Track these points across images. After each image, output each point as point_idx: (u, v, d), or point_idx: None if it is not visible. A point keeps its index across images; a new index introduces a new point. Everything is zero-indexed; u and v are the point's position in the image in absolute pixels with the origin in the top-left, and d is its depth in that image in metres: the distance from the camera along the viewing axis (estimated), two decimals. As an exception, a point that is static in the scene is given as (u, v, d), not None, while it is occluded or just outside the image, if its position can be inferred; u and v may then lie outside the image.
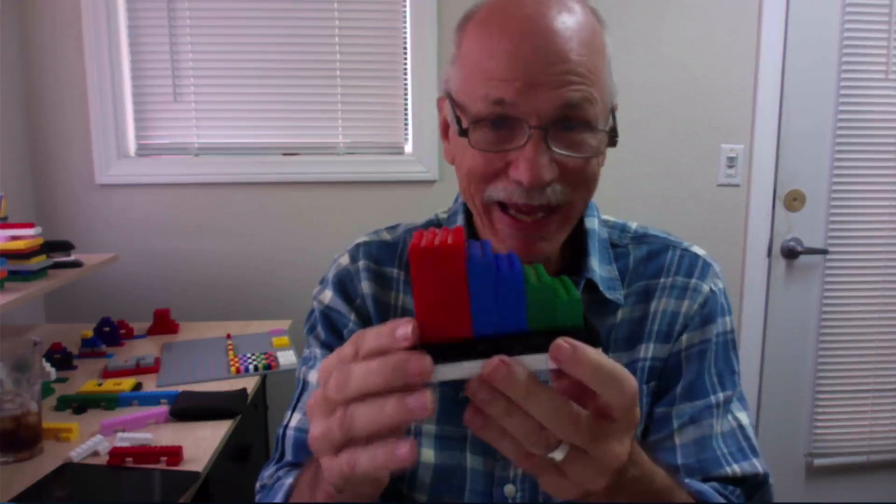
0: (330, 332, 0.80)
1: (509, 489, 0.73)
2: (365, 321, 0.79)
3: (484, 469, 0.74)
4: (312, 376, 0.80)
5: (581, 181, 0.67)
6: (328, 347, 0.80)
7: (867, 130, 2.11)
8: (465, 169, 0.68)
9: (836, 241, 2.16)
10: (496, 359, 0.40)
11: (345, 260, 0.81)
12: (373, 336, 0.42)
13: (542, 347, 0.41)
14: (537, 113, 0.62)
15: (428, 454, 0.75)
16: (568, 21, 0.64)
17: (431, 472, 0.75)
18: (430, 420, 0.76)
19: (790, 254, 2.16)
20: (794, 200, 2.14)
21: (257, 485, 0.80)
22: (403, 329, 0.40)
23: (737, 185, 2.13)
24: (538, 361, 0.41)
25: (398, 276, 0.80)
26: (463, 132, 0.65)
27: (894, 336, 2.22)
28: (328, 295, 0.80)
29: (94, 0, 1.90)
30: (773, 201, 2.14)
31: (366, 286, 0.79)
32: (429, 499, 0.76)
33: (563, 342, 0.40)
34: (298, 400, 0.80)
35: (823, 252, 2.16)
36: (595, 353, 0.40)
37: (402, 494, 0.77)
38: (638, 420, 0.44)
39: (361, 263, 0.80)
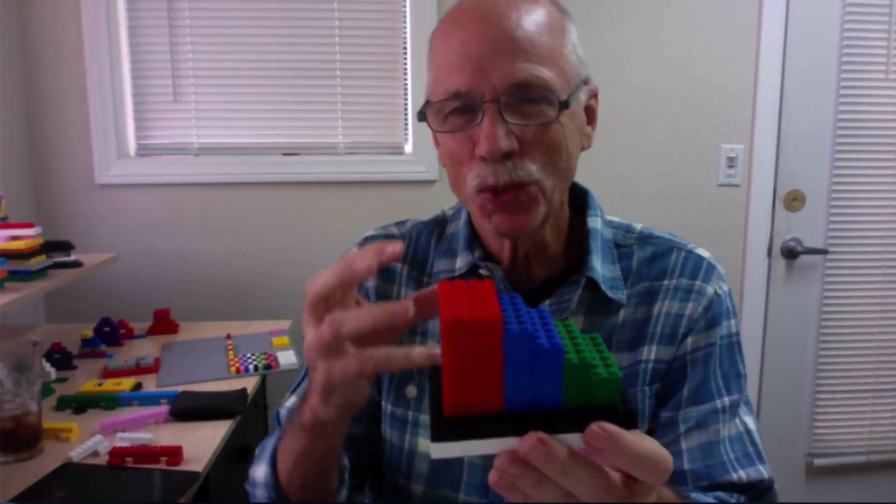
0: None
1: None
2: None
3: (481, 462, 0.75)
4: None
5: (543, 151, 0.68)
6: None
7: (867, 130, 2.11)
8: (448, 161, 0.72)
9: (836, 241, 2.16)
10: (534, 436, 0.38)
11: (354, 252, 0.82)
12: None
13: (576, 426, 0.39)
14: (489, 89, 0.65)
15: (426, 444, 0.76)
16: (517, 6, 0.68)
17: (428, 463, 0.76)
18: (427, 411, 0.76)
19: (790, 254, 2.16)
20: (794, 200, 2.14)
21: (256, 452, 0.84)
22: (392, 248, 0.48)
23: (737, 185, 2.13)
24: (571, 440, 0.39)
25: (402, 270, 0.81)
26: (421, 117, 0.71)
27: (894, 336, 2.22)
28: None
29: (94, 0, 1.90)
30: (773, 201, 2.14)
31: (370, 280, 0.80)
32: (425, 489, 0.77)
33: (598, 429, 0.38)
34: (298, 385, 0.84)
35: (823, 252, 2.16)
36: (631, 441, 0.39)
37: (399, 485, 0.78)
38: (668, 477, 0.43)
39: None
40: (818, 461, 2.26)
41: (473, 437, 0.39)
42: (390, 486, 0.80)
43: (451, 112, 0.68)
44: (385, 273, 0.81)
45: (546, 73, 0.66)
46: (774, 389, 2.23)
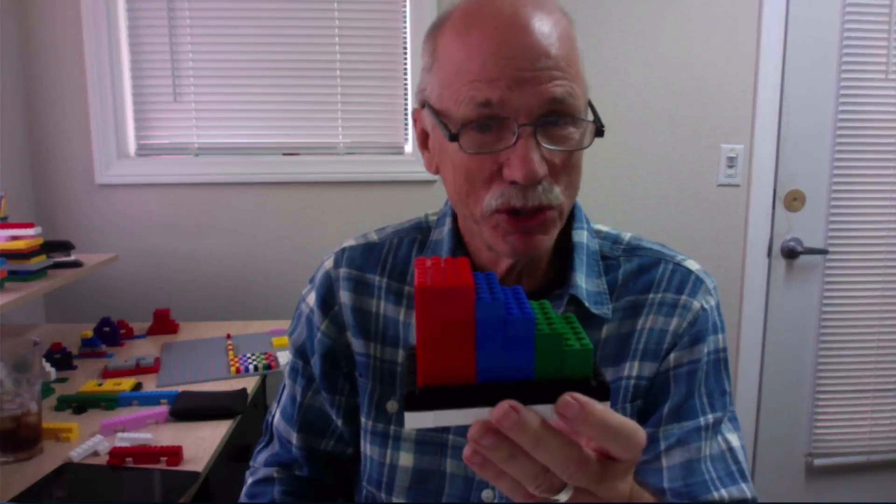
0: (303, 338, 0.82)
1: (487, 494, 0.73)
2: (339, 328, 0.79)
3: (463, 474, 0.74)
4: (287, 381, 0.85)
5: (568, 175, 0.66)
6: (299, 355, 0.83)
7: (867, 130, 2.11)
8: (462, 176, 0.66)
9: (836, 241, 2.16)
10: (506, 403, 0.38)
11: (329, 263, 0.81)
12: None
13: (548, 398, 0.39)
14: (525, 110, 0.62)
15: (407, 458, 0.76)
16: (544, 17, 0.64)
17: (410, 476, 0.75)
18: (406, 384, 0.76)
19: (790, 254, 2.16)
20: (794, 200, 2.14)
21: (250, 463, 0.86)
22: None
23: (737, 185, 2.13)
24: (544, 412, 0.39)
25: (380, 283, 0.79)
26: (453, 137, 0.64)
27: (894, 336, 2.22)
28: (311, 298, 0.82)
29: (94, 0, 1.90)
30: (773, 201, 2.14)
31: (344, 296, 0.78)
32: (406, 502, 0.76)
33: (570, 399, 0.38)
34: (281, 396, 0.86)
35: (823, 252, 2.16)
36: (602, 411, 0.39)
37: (379, 500, 0.78)
38: (640, 457, 0.43)
39: (342, 271, 0.79)
40: (818, 461, 2.26)
41: (446, 407, 0.39)
42: (370, 501, 0.79)
43: (473, 128, 0.63)
44: (362, 287, 0.78)
45: (577, 94, 0.64)
46: (774, 389, 2.23)
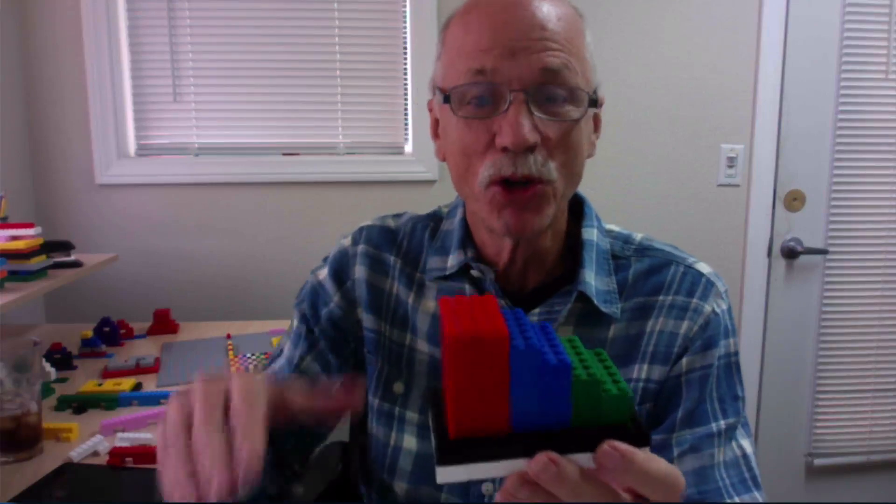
0: (311, 307, 0.83)
1: (487, 487, 0.74)
2: (350, 303, 0.80)
3: None
4: (286, 347, 0.85)
5: (564, 153, 0.66)
6: (304, 321, 0.83)
7: (867, 130, 2.11)
8: (459, 150, 0.68)
9: (836, 241, 2.16)
10: (544, 456, 0.36)
11: (346, 241, 0.84)
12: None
13: (586, 446, 0.37)
14: (518, 77, 0.63)
15: (410, 441, 0.76)
16: (545, 0, 0.66)
17: (412, 460, 0.76)
18: (413, 408, 0.76)
19: (790, 254, 2.16)
20: (794, 200, 2.14)
21: None
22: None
23: (737, 185, 2.13)
24: (582, 460, 0.38)
25: (395, 263, 0.81)
26: (446, 99, 0.67)
27: (894, 336, 2.22)
28: (324, 272, 0.83)
29: (94, 0, 1.90)
30: (773, 201, 2.14)
31: (359, 270, 0.80)
32: (408, 486, 0.76)
33: (610, 449, 0.37)
34: (275, 360, 0.86)
35: (823, 252, 2.16)
36: (643, 460, 0.38)
37: (383, 481, 0.78)
38: (678, 500, 0.42)
39: (360, 248, 0.82)
40: (818, 461, 2.26)
41: (480, 460, 0.37)
42: (376, 482, 0.80)
43: (470, 101, 0.66)
44: (378, 265, 0.81)
45: (574, 69, 0.65)
46: (774, 389, 2.23)
